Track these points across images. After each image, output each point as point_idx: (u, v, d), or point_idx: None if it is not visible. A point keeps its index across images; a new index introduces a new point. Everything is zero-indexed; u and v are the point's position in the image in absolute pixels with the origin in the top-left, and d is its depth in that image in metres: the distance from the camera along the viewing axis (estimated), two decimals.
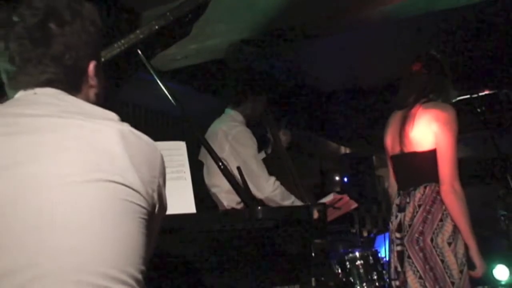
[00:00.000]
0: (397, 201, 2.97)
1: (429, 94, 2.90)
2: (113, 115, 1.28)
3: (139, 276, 1.16)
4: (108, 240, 1.12)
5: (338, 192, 4.06)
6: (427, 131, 2.80)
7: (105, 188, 1.13)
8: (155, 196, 1.23)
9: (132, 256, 1.15)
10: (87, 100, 1.33)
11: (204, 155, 3.49)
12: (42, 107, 1.22)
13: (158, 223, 1.29)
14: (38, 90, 1.26)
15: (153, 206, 1.23)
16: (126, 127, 1.24)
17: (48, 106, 1.23)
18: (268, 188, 3.30)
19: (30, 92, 1.26)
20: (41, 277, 1.06)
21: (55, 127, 1.18)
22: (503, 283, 5.48)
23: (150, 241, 1.23)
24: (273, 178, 3.35)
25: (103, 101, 1.37)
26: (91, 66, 1.33)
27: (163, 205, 1.29)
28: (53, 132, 1.17)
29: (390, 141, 3.03)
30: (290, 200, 3.34)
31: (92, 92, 1.36)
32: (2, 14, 1.27)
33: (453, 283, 2.70)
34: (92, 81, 1.34)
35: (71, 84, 1.30)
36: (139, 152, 1.22)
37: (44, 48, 1.25)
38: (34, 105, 1.23)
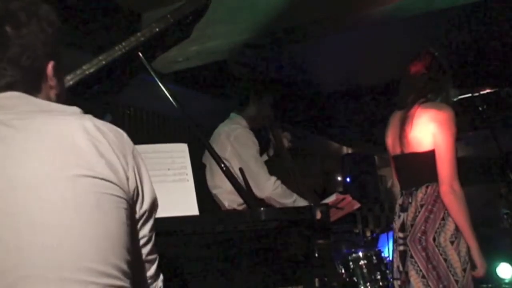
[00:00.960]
0: (399, 201, 2.97)
1: (427, 94, 2.90)
2: (74, 109, 1.27)
3: (124, 267, 1.16)
4: (87, 234, 1.12)
5: (341, 192, 4.06)
6: (426, 131, 2.81)
7: (78, 183, 1.13)
8: (131, 183, 1.22)
9: (115, 247, 1.15)
10: (49, 100, 1.31)
11: (207, 158, 3.51)
12: (4, 110, 1.21)
13: (142, 209, 1.27)
14: (0, 94, 1.24)
15: (131, 194, 1.22)
16: (88, 119, 1.23)
17: (10, 109, 1.21)
18: (268, 187, 3.32)
19: None
20: (25, 277, 1.07)
21: (19, 129, 1.17)
22: (506, 281, 5.49)
23: (134, 229, 1.22)
24: (273, 178, 3.36)
25: (64, 101, 1.34)
26: (50, 66, 1.31)
27: (143, 191, 1.27)
28: (18, 134, 1.16)
29: (391, 141, 3.04)
30: (292, 199, 3.36)
31: (52, 93, 1.33)
32: None
33: (457, 281, 2.70)
34: (51, 81, 1.32)
35: (31, 85, 1.28)
36: (104, 142, 1.20)
37: (1, 52, 1.23)
38: None
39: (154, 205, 1.32)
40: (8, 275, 1.07)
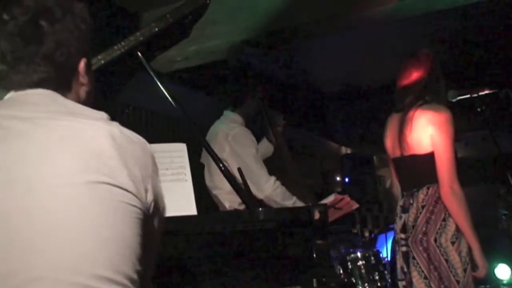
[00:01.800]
0: (400, 202, 2.97)
1: (425, 97, 2.90)
2: (102, 115, 1.27)
3: (135, 276, 1.16)
4: (101, 241, 1.12)
5: (339, 193, 4.07)
6: (424, 134, 2.81)
7: (97, 189, 1.13)
8: (149, 195, 1.23)
9: (126, 256, 1.15)
10: (78, 98, 1.33)
11: (205, 157, 3.49)
12: (32, 109, 1.21)
13: (156, 222, 1.28)
14: (30, 91, 1.25)
15: (147, 206, 1.22)
16: (115, 126, 1.23)
17: (38, 107, 1.22)
18: (268, 188, 3.31)
19: (21, 93, 1.25)
20: (37, 279, 1.07)
21: (44, 129, 1.17)
22: (504, 282, 5.48)
23: (147, 241, 1.22)
24: (273, 178, 3.35)
25: (94, 99, 1.36)
26: (82, 63, 1.32)
27: (159, 204, 1.28)
28: (43, 134, 1.17)
29: (390, 144, 3.04)
30: (292, 201, 3.34)
31: (83, 91, 1.35)
32: None
33: (458, 282, 2.71)
34: (83, 79, 1.33)
35: (62, 83, 1.29)
36: (129, 151, 1.21)
37: (36, 46, 1.24)
38: (24, 106, 1.22)
39: (164, 218, 1.33)
40: (22, 275, 1.07)
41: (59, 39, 1.26)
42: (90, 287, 1.08)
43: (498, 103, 3.02)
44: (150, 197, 1.23)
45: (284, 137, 3.89)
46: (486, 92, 2.98)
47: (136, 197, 1.18)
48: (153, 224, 1.27)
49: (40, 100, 1.24)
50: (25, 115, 1.19)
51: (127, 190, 1.17)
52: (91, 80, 1.37)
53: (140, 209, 1.19)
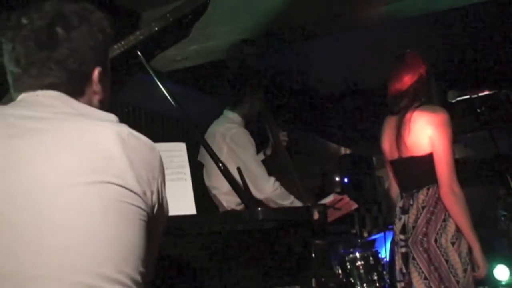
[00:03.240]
0: (400, 203, 2.97)
1: (420, 98, 2.90)
2: (112, 117, 1.29)
3: (138, 277, 1.16)
4: (106, 241, 1.12)
5: (339, 193, 4.06)
6: (423, 135, 2.81)
7: (103, 189, 1.14)
8: (154, 197, 1.24)
9: (130, 257, 1.15)
10: (90, 105, 1.33)
11: (203, 156, 3.48)
12: (42, 109, 1.23)
13: (159, 224, 1.30)
14: (40, 92, 1.26)
15: (152, 208, 1.23)
16: (124, 128, 1.24)
17: (48, 107, 1.23)
18: (268, 188, 3.30)
19: (32, 94, 1.27)
20: (40, 277, 1.07)
21: (53, 129, 1.18)
22: (503, 283, 5.49)
23: (150, 243, 1.23)
24: (272, 179, 3.34)
25: (107, 109, 1.36)
26: (96, 72, 1.34)
27: (163, 206, 1.29)
28: (52, 133, 1.17)
29: (387, 146, 3.03)
30: (290, 200, 3.34)
31: (95, 99, 1.36)
32: (12, 17, 1.28)
33: (458, 282, 2.71)
34: (96, 87, 1.34)
35: (74, 88, 1.30)
36: (137, 153, 1.22)
37: (49, 52, 1.26)
38: (35, 107, 1.24)
39: (166, 220, 1.34)
40: (25, 274, 1.07)
41: (73, 46, 1.28)
42: (93, 286, 1.09)
43: (497, 104, 3.02)
44: (155, 199, 1.24)
45: (290, 140, 3.88)
46: (486, 93, 2.98)
47: (142, 199, 1.19)
48: (157, 226, 1.28)
49: (51, 101, 1.25)
50: (35, 115, 1.21)
51: (133, 192, 1.17)
52: (106, 90, 1.39)
53: (145, 211, 1.20)
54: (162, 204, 1.28)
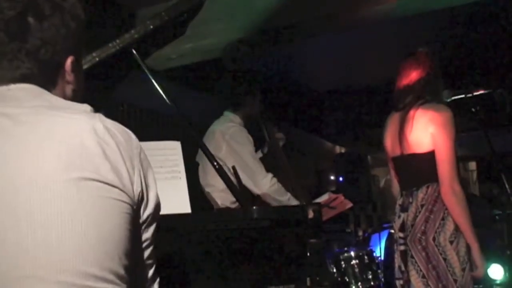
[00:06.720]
0: (399, 201, 2.98)
1: (426, 96, 2.90)
2: (85, 107, 1.25)
3: (121, 272, 1.15)
4: (87, 238, 1.10)
5: (333, 192, 4.07)
6: (425, 133, 2.81)
7: (81, 186, 1.12)
8: (136, 187, 1.21)
9: (114, 252, 1.14)
10: (63, 96, 1.30)
11: (201, 156, 3.50)
12: (15, 104, 1.19)
13: (146, 214, 1.26)
14: (13, 86, 1.22)
15: (136, 198, 1.21)
16: (98, 120, 1.20)
17: (21, 102, 1.20)
18: (265, 184, 3.33)
19: (4, 88, 1.22)
20: (23, 278, 1.06)
21: (27, 126, 1.15)
22: (497, 282, 5.50)
23: (137, 235, 1.22)
24: (270, 175, 3.37)
25: (81, 99, 1.32)
26: (69, 61, 1.29)
27: (148, 195, 1.25)
28: (26, 131, 1.15)
29: (389, 143, 3.04)
30: (286, 197, 3.36)
31: (69, 88, 1.32)
32: None
33: (455, 281, 2.72)
34: (69, 76, 1.30)
35: (47, 79, 1.26)
36: (112, 145, 1.18)
37: (20, 43, 1.21)
38: (7, 101, 1.20)
39: (157, 210, 1.30)
40: (7, 274, 1.06)
41: (45, 36, 1.23)
42: (76, 285, 1.08)
43: (492, 104, 3.02)
44: (137, 189, 1.21)
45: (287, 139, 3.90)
46: (481, 92, 2.98)
47: (122, 190, 1.17)
48: (142, 216, 1.25)
49: (24, 95, 1.21)
50: (8, 111, 1.17)
51: (112, 185, 1.15)
52: (79, 79, 1.34)
53: (126, 203, 1.18)
54: (147, 193, 1.25)
